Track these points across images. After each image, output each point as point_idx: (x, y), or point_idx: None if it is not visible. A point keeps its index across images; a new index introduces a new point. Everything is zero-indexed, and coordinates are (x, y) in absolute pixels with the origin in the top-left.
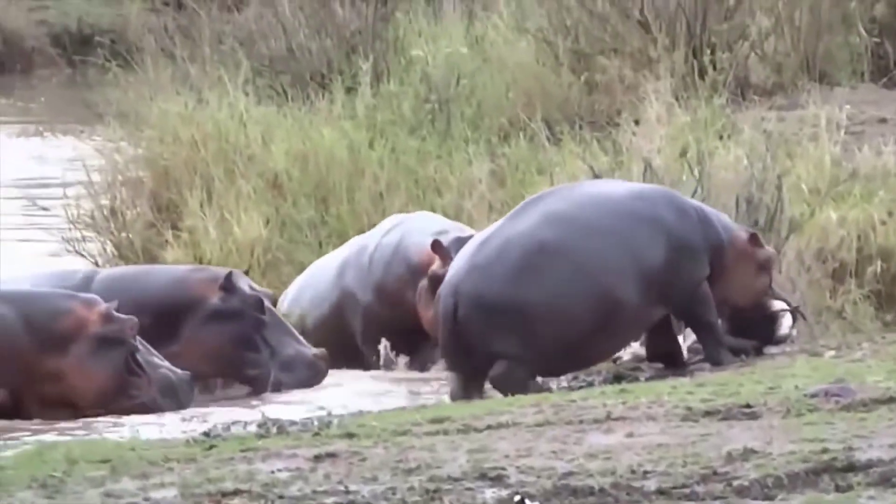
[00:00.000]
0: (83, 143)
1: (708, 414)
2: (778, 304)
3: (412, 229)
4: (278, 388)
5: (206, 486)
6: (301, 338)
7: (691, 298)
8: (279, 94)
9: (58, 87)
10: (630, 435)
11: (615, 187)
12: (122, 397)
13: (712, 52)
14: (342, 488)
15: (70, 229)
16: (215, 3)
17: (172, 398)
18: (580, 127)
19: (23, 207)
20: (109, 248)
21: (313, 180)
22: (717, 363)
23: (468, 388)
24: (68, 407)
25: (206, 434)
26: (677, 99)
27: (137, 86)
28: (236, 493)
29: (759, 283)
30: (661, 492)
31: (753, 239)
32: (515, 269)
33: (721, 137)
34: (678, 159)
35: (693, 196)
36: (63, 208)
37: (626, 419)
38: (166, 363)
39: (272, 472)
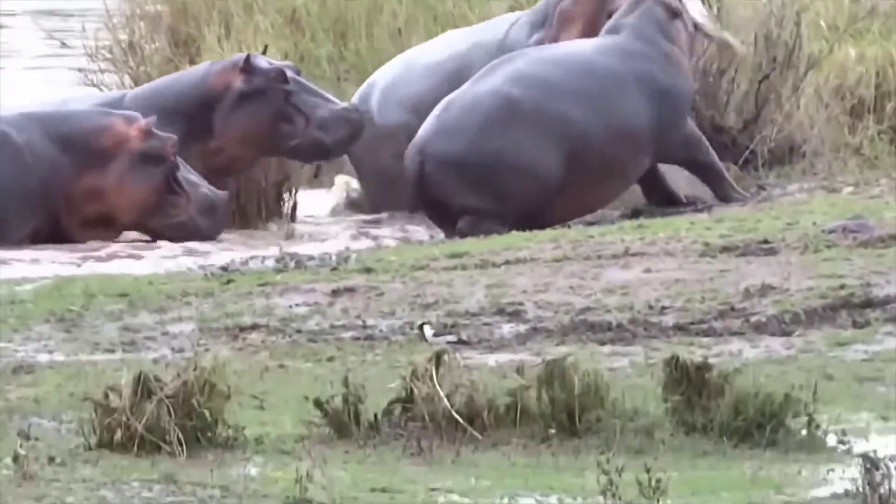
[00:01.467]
0: None
1: (726, 249)
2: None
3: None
4: (323, 148)
5: (224, 320)
6: (330, 96)
7: (681, 144)
8: None
9: None
10: (648, 270)
11: (583, 45)
12: (162, 215)
13: None
14: (360, 323)
15: (88, 62)
16: None
17: (210, 218)
18: None
19: (40, 40)
20: (127, 81)
21: (332, 15)
22: (726, 200)
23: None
24: (108, 225)
25: (224, 268)
26: None
27: None
28: (254, 327)
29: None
30: (678, 327)
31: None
32: (480, 126)
33: None
34: None
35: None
36: (81, 41)
37: (643, 255)
38: (205, 183)
39: (290, 306)
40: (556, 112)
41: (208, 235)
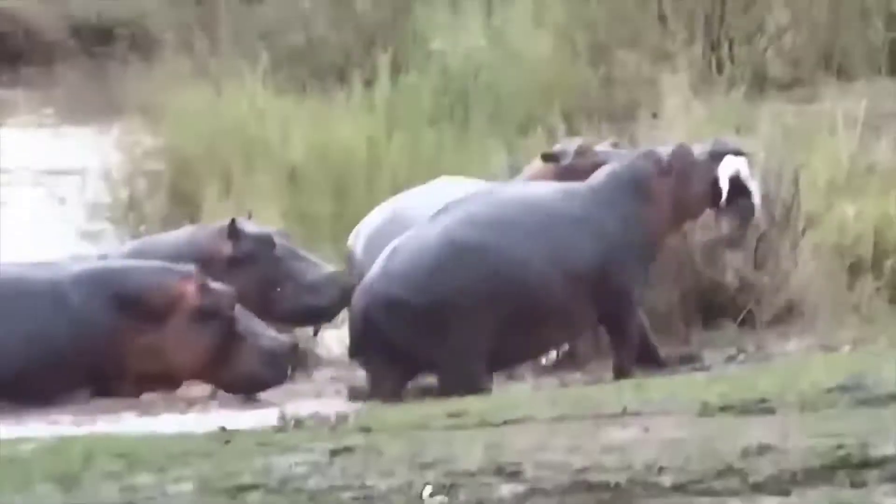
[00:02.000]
0: (102, 135)
1: (724, 409)
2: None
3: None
4: (314, 313)
5: (224, 480)
6: (317, 260)
7: (612, 297)
8: (298, 86)
9: (78, 80)
10: (646, 430)
11: (541, 188)
12: (222, 369)
13: (730, 47)
14: (359, 483)
15: (88, 220)
16: None
17: (274, 367)
18: (598, 120)
19: (41, 198)
20: (128, 239)
21: (332, 173)
22: (620, 373)
23: (383, 389)
24: (166, 382)
25: (223, 428)
26: (695, 93)
27: (157, 78)
28: (254, 487)
29: (697, 187)
30: (677, 487)
31: (667, 167)
32: (424, 270)
33: (738, 131)
34: None
35: None
36: (81, 199)
37: (641, 414)
38: (269, 331)
39: (289, 466)
40: (501, 256)
41: (272, 385)
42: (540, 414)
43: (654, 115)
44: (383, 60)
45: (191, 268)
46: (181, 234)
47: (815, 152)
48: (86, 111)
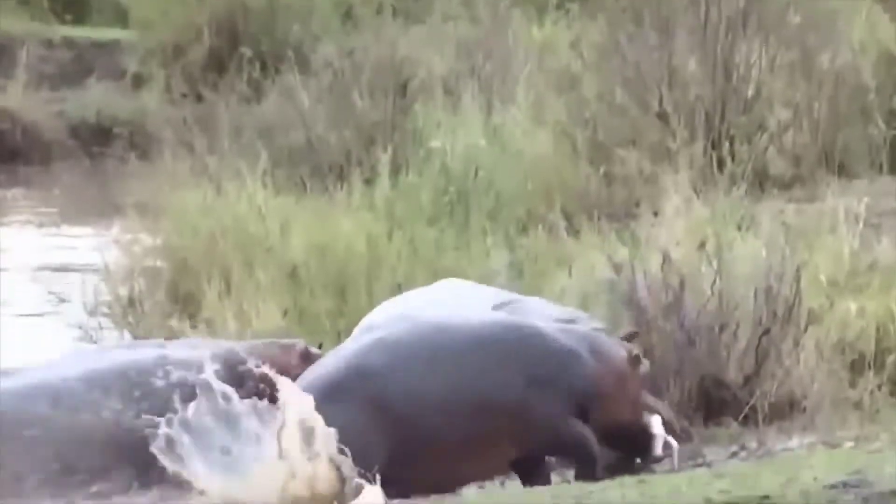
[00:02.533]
0: (101, 234)
1: None
2: (653, 421)
3: (529, 312)
4: None
5: None
6: None
7: (557, 439)
8: (298, 185)
9: (76, 179)
10: None
11: (469, 317)
12: None
13: (731, 145)
14: None
15: (87, 318)
16: (234, 95)
17: None
18: (599, 218)
19: (40, 296)
20: (127, 337)
21: (332, 271)
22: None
23: None
24: None
25: None
26: (696, 191)
27: (156, 177)
28: None
29: (638, 401)
30: None
31: (634, 360)
32: (322, 393)
33: (740, 229)
34: (697, 251)
35: (712, 287)
36: (80, 298)
37: None
38: None
39: None
40: (394, 386)
41: None
42: None
43: (655, 214)
44: (383, 159)
45: (296, 340)
46: None
47: (816, 250)
48: (84, 210)
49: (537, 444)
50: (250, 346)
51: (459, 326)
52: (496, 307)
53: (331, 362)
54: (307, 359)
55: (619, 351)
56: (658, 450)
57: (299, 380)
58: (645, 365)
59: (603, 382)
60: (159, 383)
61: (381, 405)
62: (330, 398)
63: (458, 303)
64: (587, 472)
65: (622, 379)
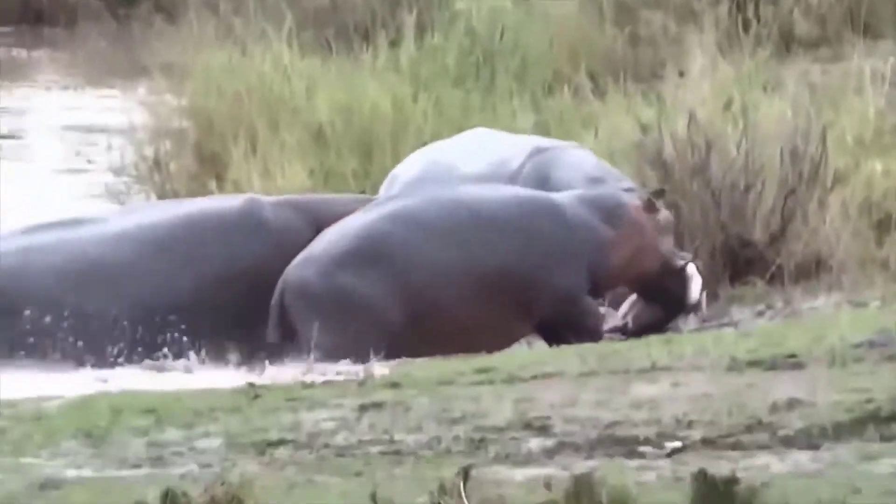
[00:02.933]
0: (127, 95)
1: (753, 364)
2: (687, 266)
3: (563, 164)
4: None
5: (252, 435)
6: None
7: (569, 314)
8: (323, 46)
9: (102, 41)
10: (675, 385)
11: (489, 192)
12: None
13: (756, 5)
14: (387, 437)
15: (114, 180)
16: None
17: None
18: (624, 79)
19: (67, 158)
20: (153, 198)
21: (357, 132)
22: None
23: None
24: None
25: (251, 384)
26: (721, 52)
27: (181, 39)
28: (281, 442)
29: (662, 246)
30: (706, 442)
31: (648, 205)
32: (337, 262)
33: (765, 90)
34: (723, 112)
35: (738, 147)
36: (107, 159)
37: (671, 369)
38: None
39: (317, 421)
40: (414, 257)
41: None
42: (569, 369)
43: (681, 74)
44: (408, 21)
45: None
46: None
47: (842, 110)
48: (110, 72)
49: (551, 315)
50: None
51: (477, 201)
52: (533, 153)
53: (350, 229)
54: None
55: (635, 205)
56: (697, 293)
57: (315, 242)
58: (665, 214)
59: (619, 248)
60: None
61: (399, 276)
62: (347, 265)
63: (487, 151)
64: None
65: (640, 235)
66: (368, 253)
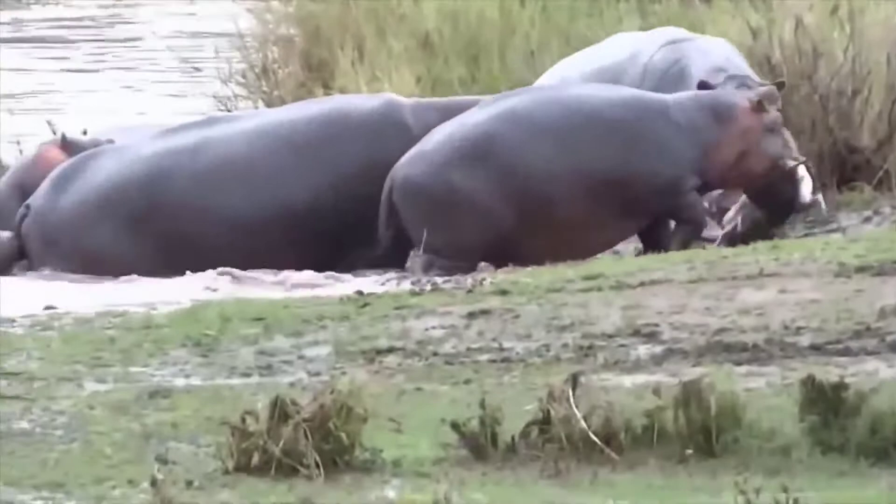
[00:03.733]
0: (235, 3)
1: (861, 270)
2: (798, 168)
3: (691, 54)
4: None
5: (360, 343)
6: None
7: (675, 207)
8: None
9: None
10: (783, 291)
11: (597, 91)
12: None
13: None
14: (496, 345)
15: (222, 88)
16: None
17: None
18: None
19: (175, 66)
20: (261, 106)
21: (464, 38)
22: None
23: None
24: None
25: (360, 292)
26: None
27: None
28: (390, 350)
29: (770, 147)
30: (814, 347)
31: (758, 105)
32: (445, 159)
33: None
34: (829, 16)
35: (845, 53)
36: (215, 68)
37: (778, 275)
38: None
39: (426, 329)
40: (523, 156)
41: None
42: (676, 276)
43: None
44: None
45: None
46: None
47: None
48: None
49: (657, 208)
50: None
51: (585, 101)
52: (665, 44)
53: (459, 128)
54: None
55: (743, 107)
56: (807, 195)
57: (430, 134)
58: (775, 114)
59: (726, 149)
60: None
61: (507, 175)
62: (454, 164)
63: (623, 46)
64: (691, 239)
65: (747, 137)
66: (477, 152)
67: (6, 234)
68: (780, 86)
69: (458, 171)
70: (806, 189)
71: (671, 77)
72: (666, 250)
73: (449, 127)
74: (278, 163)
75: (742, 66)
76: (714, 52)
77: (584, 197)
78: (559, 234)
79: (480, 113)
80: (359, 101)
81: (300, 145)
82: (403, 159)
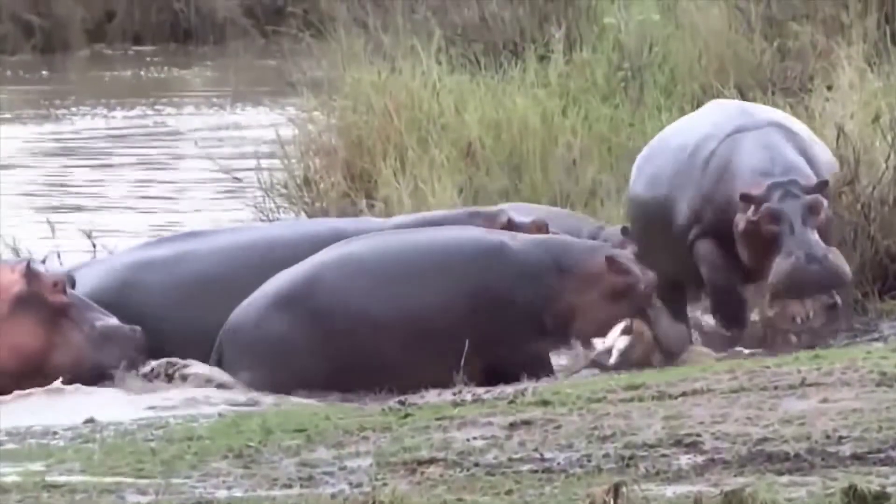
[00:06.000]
0: (276, 113)
1: None
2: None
3: (747, 151)
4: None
5: (402, 454)
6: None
7: (514, 359)
8: (472, 62)
9: (250, 58)
10: (824, 400)
11: (433, 237)
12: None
13: None
14: (538, 455)
15: (264, 199)
16: None
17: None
18: (773, 93)
19: (217, 177)
20: (303, 217)
21: (506, 148)
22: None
23: None
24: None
25: (401, 402)
26: (870, 64)
27: (330, 55)
28: (432, 461)
29: (610, 312)
30: (856, 457)
31: (613, 265)
32: (268, 303)
33: None
34: (871, 125)
35: (887, 161)
36: (257, 178)
37: (820, 385)
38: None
39: (468, 439)
40: (340, 303)
41: (106, 367)
42: (718, 386)
43: (829, 87)
44: (557, 36)
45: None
46: None
47: None
48: (259, 89)
49: (494, 359)
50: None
51: (422, 245)
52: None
53: (290, 274)
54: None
55: (592, 263)
56: (599, 356)
57: (266, 285)
58: (627, 274)
59: (563, 302)
60: None
61: (321, 320)
62: (278, 306)
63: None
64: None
65: (584, 294)
66: (297, 296)
67: None
68: (824, 185)
69: (275, 314)
70: (601, 352)
71: (724, 177)
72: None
73: (286, 272)
74: (257, 280)
75: (792, 165)
76: (768, 149)
77: (406, 343)
78: (377, 378)
79: (315, 259)
80: (343, 224)
81: (278, 265)
82: (242, 304)
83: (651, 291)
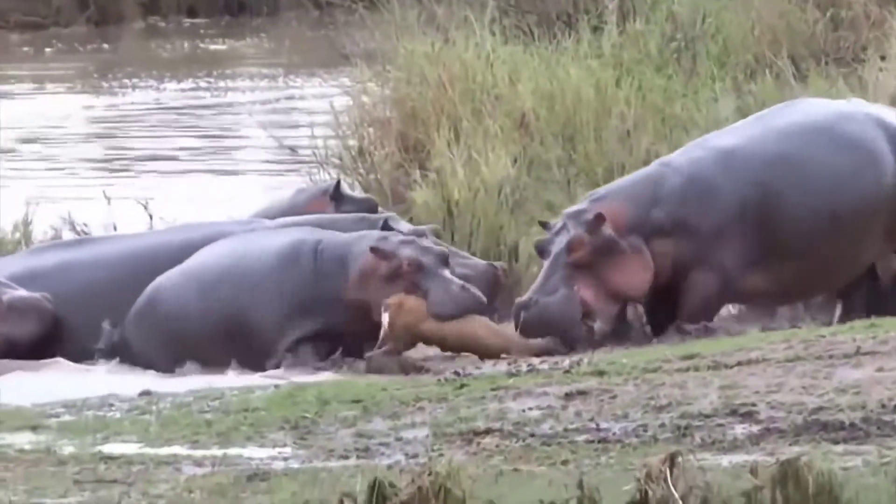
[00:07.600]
0: (330, 84)
1: None
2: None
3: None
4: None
5: (458, 425)
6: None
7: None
8: (525, 33)
9: (304, 29)
10: (880, 369)
11: (259, 238)
12: None
13: None
14: (593, 426)
15: (318, 170)
16: None
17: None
18: (826, 63)
19: (272, 148)
20: (357, 188)
21: (560, 119)
22: None
23: None
24: None
25: (457, 373)
26: None
27: (384, 26)
28: (488, 431)
29: (381, 296)
30: None
31: (379, 253)
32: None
33: None
34: None
35: None
36: (311, 149)
37: (875, 353)
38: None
39: (523, 410)
40: (174, 307)
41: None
42: (773, 355)
43: (883, 58)
44: (611, 7)
45: None
46: (282, 203)
47: None
48: (313, 60)
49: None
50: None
51: (238, 252)
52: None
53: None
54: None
55: (363, 255)
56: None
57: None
58: (395, 260)
59: (351, 296)
60: None
61: (156, 321)
62: (134, 315)
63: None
64: None
65: (365, 285)
66: (147, 305)
67: None
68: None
69: (132, 324)
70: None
71: None
72: None
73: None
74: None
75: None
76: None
77: (223, 344)
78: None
79: (175, 269)
80: (230, 227)
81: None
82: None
83: (414, 265)
